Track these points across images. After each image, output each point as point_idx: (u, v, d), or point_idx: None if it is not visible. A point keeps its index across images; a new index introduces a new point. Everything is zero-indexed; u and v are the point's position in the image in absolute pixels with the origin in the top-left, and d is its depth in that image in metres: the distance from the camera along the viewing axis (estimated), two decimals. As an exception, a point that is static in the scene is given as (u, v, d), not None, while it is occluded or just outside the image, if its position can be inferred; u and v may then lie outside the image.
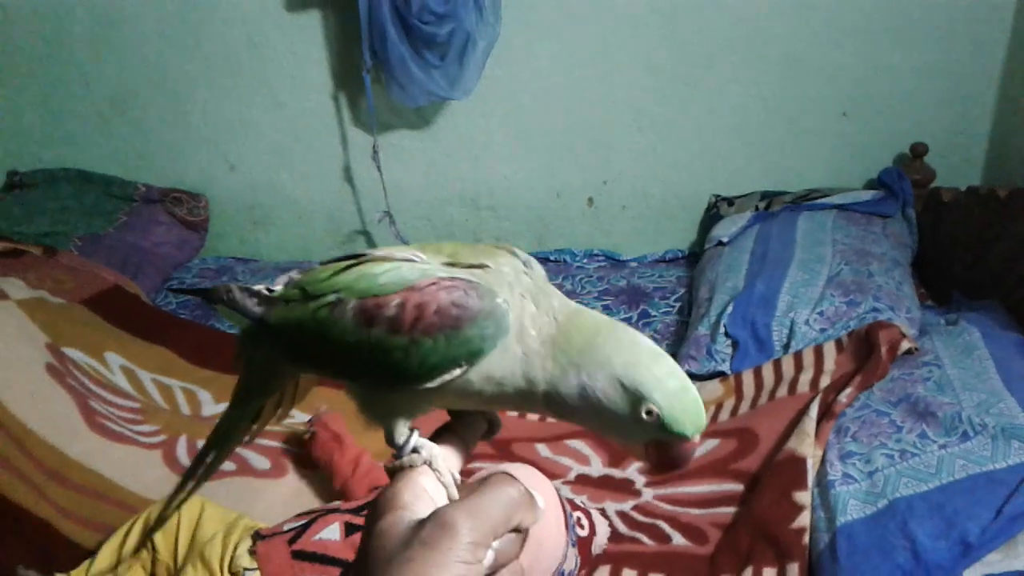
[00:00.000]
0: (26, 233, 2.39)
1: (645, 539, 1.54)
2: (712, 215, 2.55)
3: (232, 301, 0.58)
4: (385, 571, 0.45)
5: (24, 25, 2.54)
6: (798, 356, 1.81)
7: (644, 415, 0.48)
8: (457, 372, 0.50)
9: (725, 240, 2.31)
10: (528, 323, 0.50)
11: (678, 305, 2.31)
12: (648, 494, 1.65)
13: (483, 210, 2.68)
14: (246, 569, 1.28)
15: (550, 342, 0.50)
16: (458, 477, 0.53)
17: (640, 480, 1.68)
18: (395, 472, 0.52)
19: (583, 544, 1.46)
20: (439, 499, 0.51)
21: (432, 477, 0.52)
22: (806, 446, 1.51)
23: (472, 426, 0.56)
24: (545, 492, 1.42)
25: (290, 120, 2.58)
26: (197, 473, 0.63)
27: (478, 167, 2.62)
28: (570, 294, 2.35)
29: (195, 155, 2.65)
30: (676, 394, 0.48)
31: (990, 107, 2.41)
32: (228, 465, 1.68)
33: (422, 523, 0.46)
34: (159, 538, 1.36)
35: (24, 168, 2.67)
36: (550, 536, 1.39)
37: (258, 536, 1.33)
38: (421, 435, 0.54)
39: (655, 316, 2.26)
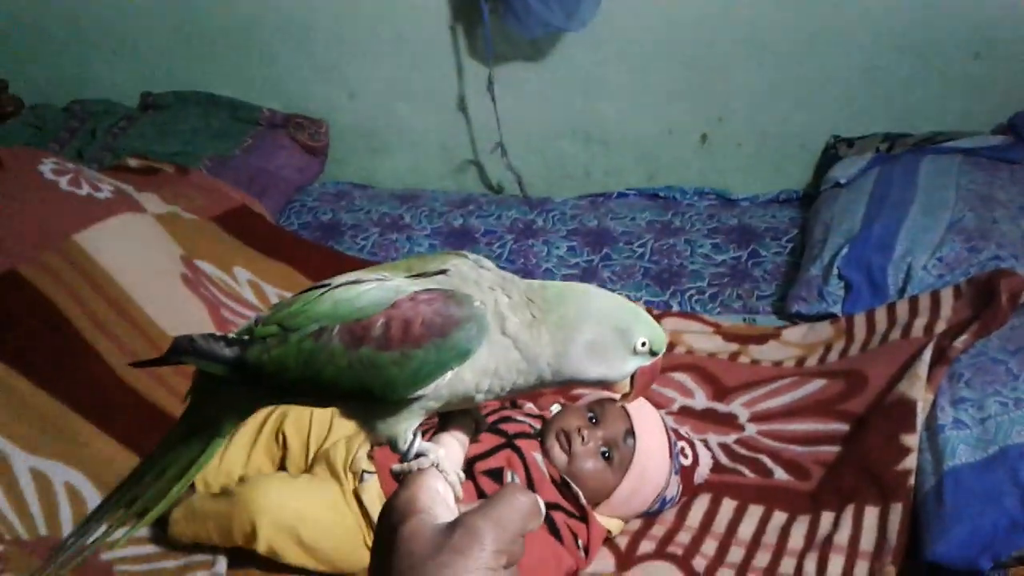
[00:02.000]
0: (159, 152, 2.51)
1: (747, 471, 1.57)
2: (831, 156, 2.49)
3: (199, 350, 0.58)
4: (417, 574, 0.48)
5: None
6: (914, 300, 1.78)
7: (639, 347, 0.57)
8: (449, 375, 0.54)
9: (843, 181, 2.26)
10: (507, 312, 0.55)
11: (790, 246, 2.28)
12: (752, 429, 1.67)
13: (594, 144, 2.69)
14: (365, 471, 1.36)
15: (537, 321, 0.56)
16: (462, 476, 0.57)
17: (744, 414, 1.70)
18: (403, 475, 0.56)
19: (686, 473, 1.50)
20: (449, 500, 0.54)
21: (441, 479, 0.55)
22: (917, 389, 1.50)
23: (463, 425, 0.60)
24: (651, 421, 1.46)
25: (408, 49, 2.62)
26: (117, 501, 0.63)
27: (591, 101, 2.62)
28: (678, 231, 2.35)
29: (317, 82, 2.72)
30: (650, 324, 0.58)
31: None
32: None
33: (450, 529, 0.49)
34: (292, 436, 1.46)
35: (157, 90, 2.79)
36: (654, 462, 1.44)
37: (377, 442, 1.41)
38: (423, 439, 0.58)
39: (765, 256, 2.24)
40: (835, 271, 1.94)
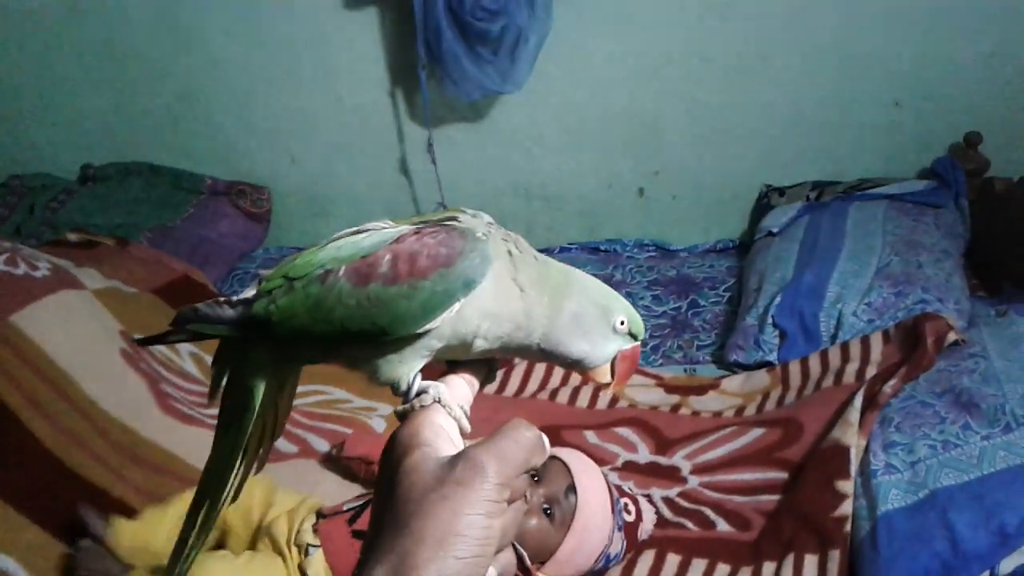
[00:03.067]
0: (100, 225, 2.51)
1: (690, 525, 1.58)
2: (763, 205, 2.57)
3: (203, 315, 0.57)
4: (419, 507, 0.47)
5: (95, 25, 2.65)
6: (845, 347, 1.83)
7: (619, 325, 0.58)
8: (456, 306, 0.54)
9: (775, 230, 2.33)
10: (519, 262, 0.56)
11: (727, 295, 2.33)
12: (694, 481, 1.69)
13: (535, 201, 2.73)
14: (310, 545, 1.36)
15: (539, 281, 0.56)
16: (468, 409, 0.56)
17: (686, 467, 1.72)
18: (406, 415, 0.54)
19: (629, 529, 1.51)
20: (453, 434, 0.53)
21: (444, 414, 0.54)
22: (850, 435, 1.54)
23: (473, 367, 0.59)
24: (592, 477, 1.48)
25: (348, 114, 2.65)
26: (196, 526, 0.62)
27: (530, 159, 2.67)
28: (619, 284, 2.40)
29: (259, 149, 2.75)
30: (628, 305, 0.60)
31: (1046, 95, 2.39)
32: (289, 447, 1.77)
33: (453, 462, 0.48)
34: (232, 515, 1.45)
35: (97, 162, 2.79)
36: (596, 518, 1.45)
37: (321, 515, 1.41)
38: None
39: (704, 306, 2.29)
40: (770, 319, 1.99)
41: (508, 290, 0.55)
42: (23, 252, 1.94)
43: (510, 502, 0.49)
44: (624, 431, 1.83)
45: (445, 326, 0.54)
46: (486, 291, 0.55)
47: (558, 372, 2.01)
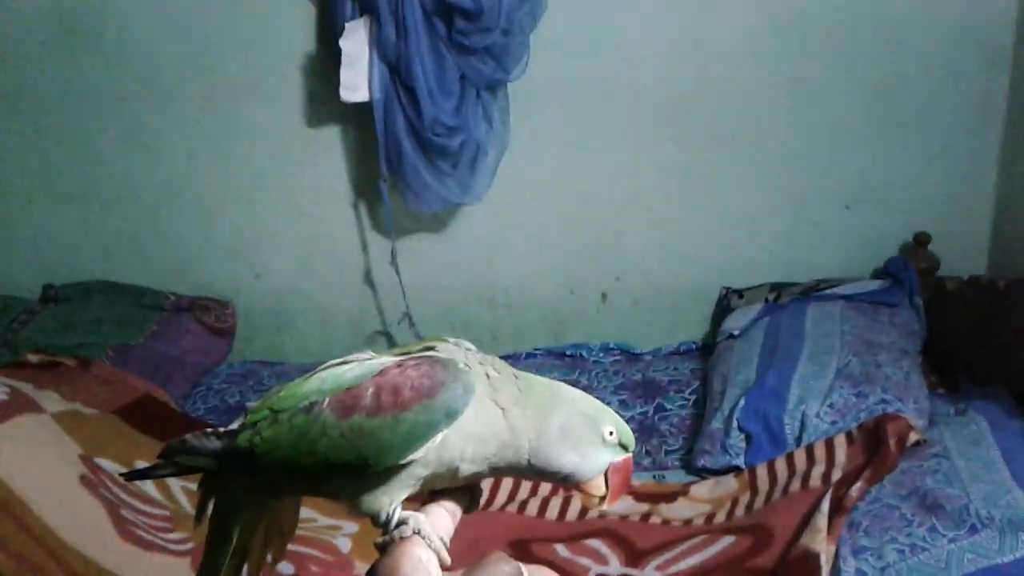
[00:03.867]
0: (61, 345, 2.48)
1: (664, 639, 1.56)
2: (724, 307, 2.61)
3: (190, 448, 0.59)
4: None
5: (57, 143, 2.68)
6: (810, 449, 1.84)
7: (608, 435, 0.59)
8: (439, 438, 0.55)
9: (736, 333, 2.36)
10: (498, 384, 0.57)
11: (693, 398, 2.35)
12: (666, 592, 1.67)
13: (499, 308, 2.76)
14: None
15: (522, 398, 0.58)
16: (448, 541, 0.56)
17: (658, 579, 1.70)
18: (387, 547, 0.55)
19: (603, 646, 1.48)
20: (432, 567, 0.53)
21: (424, 546, 0.54)
22: (819, 542, 1.54)
23: (455, 496, 0.59)
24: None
25: (312, 229, 2.69)
26: None
27: (493, 267, 2.71)
28: (586, 389, 2.38)
29: (222, 265, 2.76)
30: (615, 416, 0.60)
31: (991, 195, 2.48)
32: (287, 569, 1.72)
33: None
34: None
35: (59, 281, 2.78)
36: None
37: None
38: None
39: (671, 410, 2.30)
40: (735, 423, 2.00)
41: (490, 411, 0.57)
42: (-19, 376, 1.91)
43: None
44: (595, 543, 1.80)
45: (429, 454, 0.55)
46: (468, 417, 0.56)
47: (527, 483, 1.99)
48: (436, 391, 0.55)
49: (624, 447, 0.60)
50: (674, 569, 1.71)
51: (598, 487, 0.60)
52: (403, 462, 0.55)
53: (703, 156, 2.54)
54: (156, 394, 2.26)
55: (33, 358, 2.31)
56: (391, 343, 2.78)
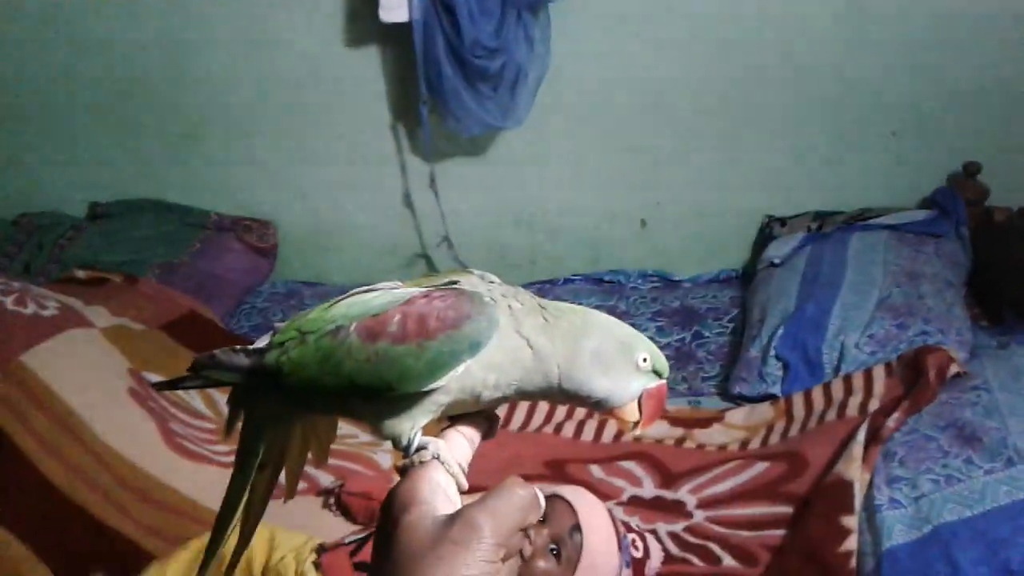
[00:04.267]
0: (108, 261, 2.53)
1: (696, 560, 1.59)
2: (765, 235, 2.58)
3: (219, 363, 0.60)
4: (417, 566, 0.49)
5: (104, 63, 2.69)
6: (848, 379, 1.84)
7: (641, 362, 0.59)
8: (461, 368, 0.56)
9: (777, 261, 2.34)
10: (521, 315, 0.58)
11: (731, 326, 2.34)
12: (700, 516, 1.70)
13: (538, 233, 2.75)
14: (313, 579, 1.36)
15: (549, 325, 0.58)
16: (465, 467, 0.57)
17: (692, 501, 1.73)
18: (407, 470, 0.56)
19: (637, 566, 1.51)
20: (451, 491, 0.54)
21: (443, 471, 0.55)
22: (853, 470, 1.55)
23: (473, 422, 0.60)
24: (598, 515, 1.48)
25: (351, 150, 2.68)
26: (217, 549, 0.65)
27: (532, 192, 2.70)
28: (624, 315, 2.41)
29: (264, 185, 2.77)
30: (651, 344, 0.60)
31: (1044, 124, 2.41)
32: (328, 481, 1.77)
33: (449, 522, 0.50)
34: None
35: (105, 199, 2.82)
36: (603, 557, 1.45)
37: (322, 549, 1.42)
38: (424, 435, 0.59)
39: (708, 337, 2.30)
40: (773, 351, 2.00)
41: (513, 342, 0.57)
42: (32, 292, 1.96)
43: (505, 560, 0.50)
44: (629, 465, 1.83)
45: (452, 383, 0.56)
46: (491, 348, 0.57)
47: (563, 407, 2.02)
48: (461, 323, 0.56)
49: (658, 373, 0.60)
50: (707, 493, 1.73)
51: (632, 412, 0.60)
52: (425, 390, 0.56)
53: (749, 80, 2.48)
54: (201, 311, 2.31)
55: (80, 274, 2.37)
56: (430, 266, 2.80)
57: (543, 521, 1.45)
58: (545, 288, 2.61)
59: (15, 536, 1.53)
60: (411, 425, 0.58)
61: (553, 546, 1.44)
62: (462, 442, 0.59)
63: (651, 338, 2.03)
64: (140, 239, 2.65)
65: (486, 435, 0.61)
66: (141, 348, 2.03)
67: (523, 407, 2.01)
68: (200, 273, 2.57)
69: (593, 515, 1.47)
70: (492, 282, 0.61)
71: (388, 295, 0.59)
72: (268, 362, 0.59)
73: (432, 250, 2.75)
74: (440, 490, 0.54)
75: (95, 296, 2.16)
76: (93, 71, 2.71)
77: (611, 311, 2.43)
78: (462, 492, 0.56)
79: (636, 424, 0.60)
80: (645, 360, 0.59)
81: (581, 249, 2.76)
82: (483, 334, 0.56)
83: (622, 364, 0.59)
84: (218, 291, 2.55)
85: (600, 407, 0.60)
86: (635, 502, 1.74)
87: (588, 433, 1.95)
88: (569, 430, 1.95)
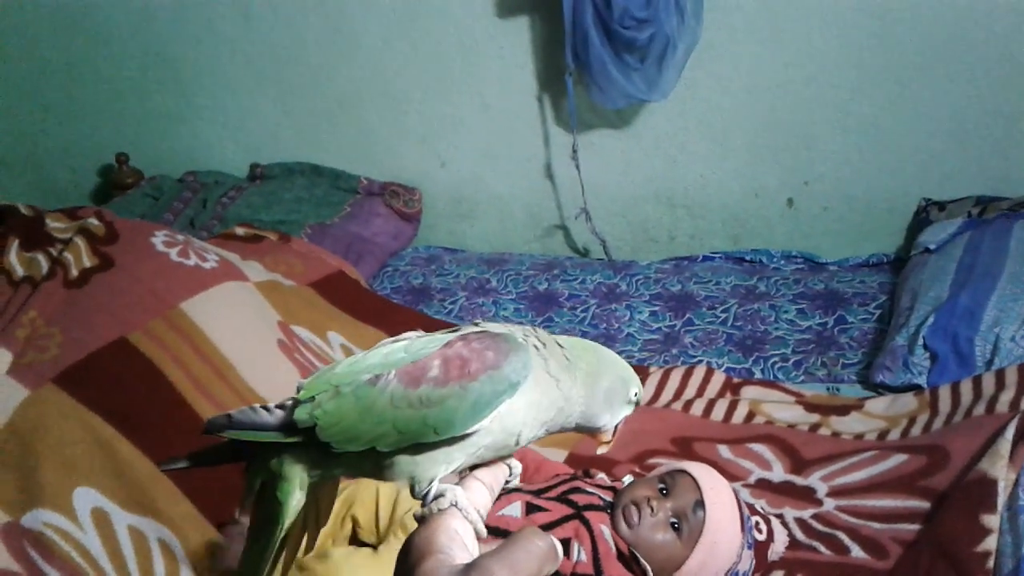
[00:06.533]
0: (264, 220, 2.67)
1: (822, 548, 1.55)
2: (921, 219, 2.46)
3: (238, 423, 0.59)
4: None
5: (264, 32, 2.82)
6: (1000, 374, 1.74)
7: (633, 396, 0.66)
8: (503, 407, 0.58)
9: (932, 247, 2.23)
10: (546, 355, 0.61)
11: (878, 312, 2.25)
12: (830, 504, 1.65)
13: (678, 208, 2.72)
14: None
15: (570, 366, 0.62)
16: (484, 513, 0.57)
17: (822, 489, 1.68)
18: (425, 519, 0.55)
19: (759, 548, 1.49)
20: (468, 540, 0.54)
21: (460, 518, 0.55)
22: (999, 468, 1.46)
23: (493, 469, 0.61)
24: (722, 493, 1.47)
25: (496, 120, 2.72)
26: None
27: (674, 166, 2.66)
28: (763, 296, 2.35)
29: (410, 151, 2.85)
30: (638, 379, 0.67)
31: None
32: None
33: (465, 571, 0.49)
34: (359, 511, 1.52)
35: (264, 161, 2.98)
36: (725, 535, 1.44)
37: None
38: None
39: (852, 323, 2.22)
40: (921, 341, 1.91)
41: (545, 381, 0.60)
42: (195, 244, 2.09)
43: None
44: (759, 447, 1.80)
45: (494, 423, 0.58)
46: (528, 387, 0.60)
47: (693, 383, 2.00)
48: (501, 362, 0.59)
49: (637, 404, 0.67)
50: (840, 481, 1.68)
51: (607, 434, 0.66)
52: (468, 432, 0.58)
53: (909, 57, 2.36)
54: (348, 271, 2.41)
55: (240, 231, 2.50)
56: (567, 237, 2.82)
57: (667, 493, 1.45)
58: (683, 264, 2.58)
59: (168, 474, 1.64)
60: (431, 474, 0.58)
61: (675, 520, 1.43)
62: (481, 489, 0.59)
63: (790, 321, 2.00)
64: (294, 200, 2.79)
65: (506, 482, 0.62)
66: (291, 303, 2.13)
67: (652, 382, 2.00)
68: (349, 235, 2.68)
69: (718, 493, 1.46)
70: (508, 323, 0.64)
71: (419, 342, 0.61)
72: (300, 417, 0.58)
73: (570, 221, 2.77)
74: (458, 538, 0.53)
75: (252, 252, 2.28)
76: (257, 40, 2.85)
77: (750, 292, 2.38)
78: (480, 540, 0.56)
79: (607, 444, 0.67)
80: (636, 394, 0.66)
81: (722, 226, 2.71)
82: (521, 373, 0.59)
83: (620, 399, 0.65)
84: (365, 253, 2.65)
85: (588, 433, 0.66)
86: (763, 485, 1.71)
87: (718, 413, 1.92)
88: (699, 408, 1.93)
